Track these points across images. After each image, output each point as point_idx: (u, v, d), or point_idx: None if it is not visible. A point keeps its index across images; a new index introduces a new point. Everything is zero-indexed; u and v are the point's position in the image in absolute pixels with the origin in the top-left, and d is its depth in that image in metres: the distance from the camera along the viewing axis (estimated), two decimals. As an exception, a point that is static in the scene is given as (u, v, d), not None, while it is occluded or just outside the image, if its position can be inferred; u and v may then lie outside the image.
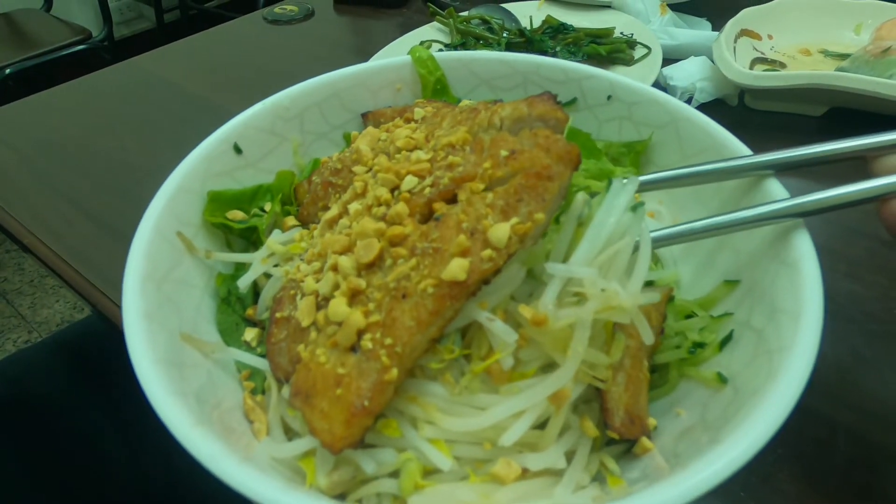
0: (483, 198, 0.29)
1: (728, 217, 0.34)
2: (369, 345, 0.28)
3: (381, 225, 0.31)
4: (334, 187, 0.39)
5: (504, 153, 0.31)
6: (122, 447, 0.62)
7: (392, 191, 0.33)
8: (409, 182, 0.33)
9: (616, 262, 0.30)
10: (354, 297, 0.30)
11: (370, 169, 0.37)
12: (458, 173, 0.32)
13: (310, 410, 0.28)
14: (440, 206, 0.31)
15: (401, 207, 0.31)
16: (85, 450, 0.62)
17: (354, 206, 0.34)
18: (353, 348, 0.28)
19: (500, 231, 0.28)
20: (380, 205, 0.33)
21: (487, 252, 0.28)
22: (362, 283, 0.30)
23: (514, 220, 0.29)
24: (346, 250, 0.32)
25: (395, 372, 0.27)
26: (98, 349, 0.68)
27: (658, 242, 0.34)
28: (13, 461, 0.59)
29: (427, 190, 0.32)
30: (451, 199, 0.32)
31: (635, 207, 0.32)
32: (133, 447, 0.62)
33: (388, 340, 0.28)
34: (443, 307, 0.28)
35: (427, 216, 0.32)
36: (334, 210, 0.36)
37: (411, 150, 0.36)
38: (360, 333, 0.28)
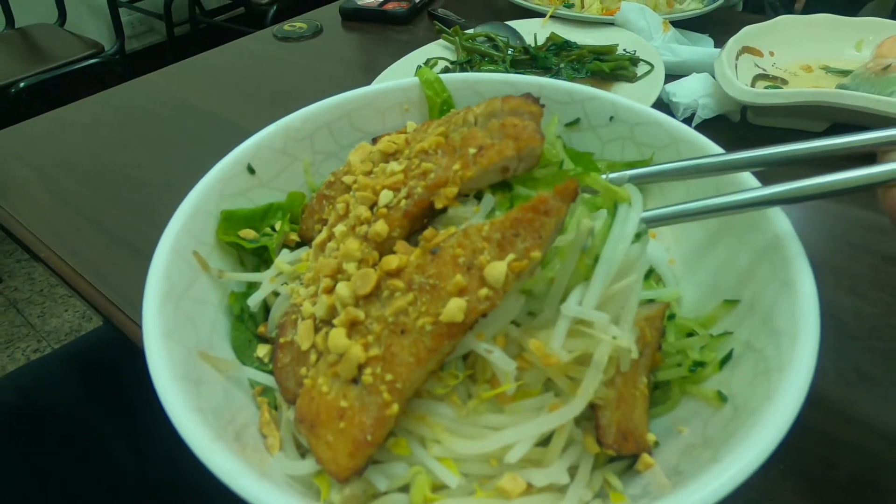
0: (479, 230, 0.29)
1: (723, 200, 0.33)
2: (370, 379, 0.28)
3: (366, 244, 0.32)
4: (328, 199, 0.40)
5: (472, 150, 0.31)
6: (130, 456, 0.63)
7: (371, 207, 0.34)
8: (385, 196, 0.33)
9: (618, 298, 0.31)
10: (353, 326, 0.30)
11: (355, 181, 0.37)
12: (430, 181, 0.32)
13: (315, 440, 0.29)
14: (431, 234, 0.31)
15: (380, 227, 0.32)
16: (94, 459, 0.63)
17: (339, 228, 0.35)
18: (355, 380, 0.29)
19: (497, 270, 0.28)
20: (361, 223, 0.33)
21: (484, 291, 0.28)
22: (361, 313, 0.30)
23: (511, 256, 0.28)
24: (336, 273, 0.32)
25: (395, 407, 0.28)
26: (108, 360, 0.69)
27: (651, 223, 0.34)
28: (24, 470, 0.60)
29: (403, 202, 0.33)
30: (429, 208, 0.32)
31: (639, 234, 0.32)
32: (140, 456, 0.63)
33: (389, 376, 0.28)
34: (441, 345, 0.28)
35: (409, 230, 0.32)
36: (323, 234, 0.36)
37: (392, 154, 0.36)
38: (361, 367, 0.29)
